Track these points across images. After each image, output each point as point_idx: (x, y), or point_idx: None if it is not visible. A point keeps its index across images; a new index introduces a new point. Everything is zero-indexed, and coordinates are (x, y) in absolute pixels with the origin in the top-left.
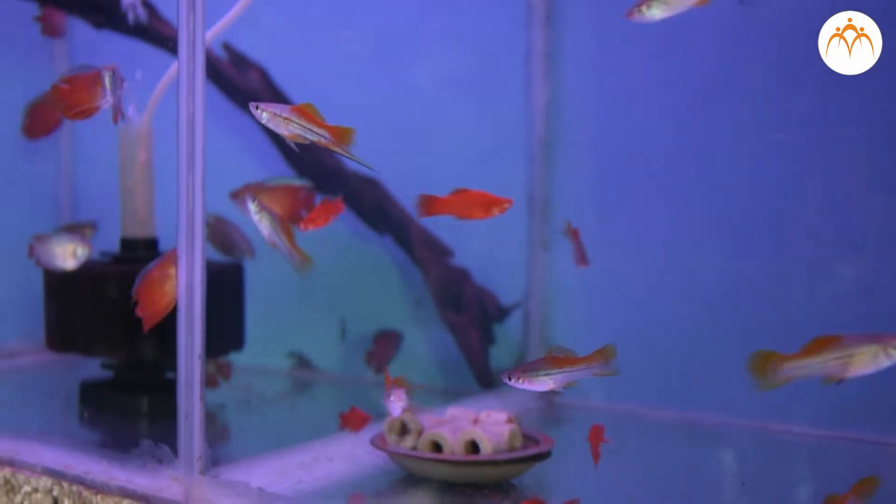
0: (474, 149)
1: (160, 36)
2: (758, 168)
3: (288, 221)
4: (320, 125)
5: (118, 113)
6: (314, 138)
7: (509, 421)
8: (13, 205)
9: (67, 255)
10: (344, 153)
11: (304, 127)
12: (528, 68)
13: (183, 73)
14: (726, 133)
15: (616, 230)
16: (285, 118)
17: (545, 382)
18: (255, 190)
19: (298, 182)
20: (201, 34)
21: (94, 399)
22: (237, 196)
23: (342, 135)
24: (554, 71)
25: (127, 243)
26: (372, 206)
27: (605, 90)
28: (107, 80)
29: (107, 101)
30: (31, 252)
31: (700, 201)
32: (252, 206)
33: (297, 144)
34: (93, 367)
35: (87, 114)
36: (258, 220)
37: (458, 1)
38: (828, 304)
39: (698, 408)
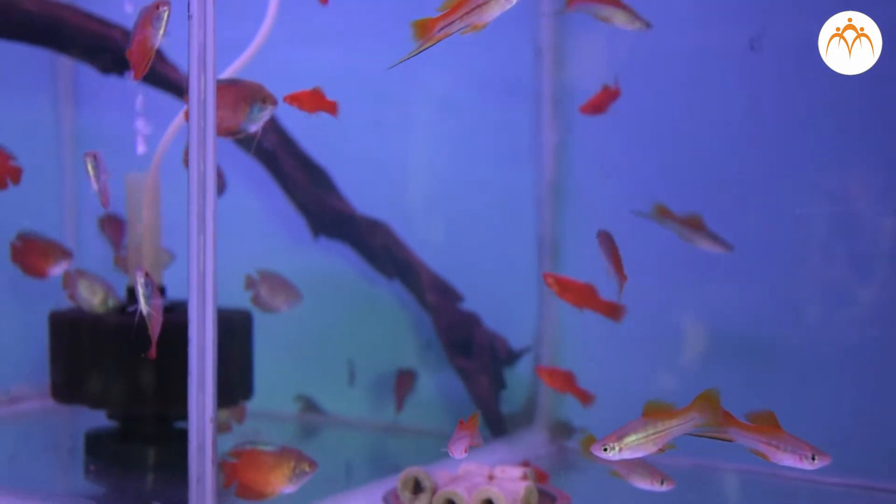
0: (484, 193)
1: (167, 81)
2: (770, 204)
3: None
4: None
5: (104, 197)
6: None
7: (524, 477)
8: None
9: (98, 301)
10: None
11: None
12: (538, 112)
13: (194, 134)
14: (739, 174)
15: (627, 272)
16: None
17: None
18: None
19: None
20: (212, 95)
21: (100, 451)
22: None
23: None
24: (562, 115)
25: (134, 293)
26: (379, 249)
27: (614, 133)
28: (89, 167)
29: (93, 186)
30: (66, 283)
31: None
32: None
33: (299, 186)
34: (98, 416)
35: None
36: None
37: (466, 47)
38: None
39: (710, 453)
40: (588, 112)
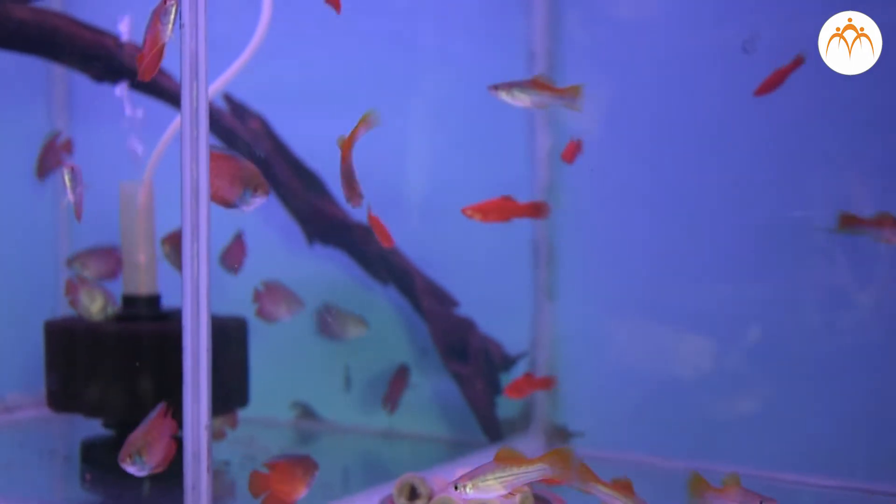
0: (478, 197)
1: (160, 89)
2: (767, 207)
3: None
4: (554, 89)
5: (79, 209)
6: (551, 102)
7: None
8: (11, 253)
9: (97, 308)
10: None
11: (542, 95)
12: (531, 118)
13: (186, 140)
14: (733, 177)
15: (621, 277)
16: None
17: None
18: None
19: None
20: (205, 103)
21: (95, 459)
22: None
23: (575, 91)
24: (556, 120)
25: (129, 300)
26: (374, 255)
27: (608, 137)
28: (66, 179)
29: (68, 198)
30: (69, 290)
31: (707, 246)
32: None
33: (294, 193)
34: (94, 425)
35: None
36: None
37: (459, 51)
38: (845, 333)
39: (708, 457)
40: (566, 160)
